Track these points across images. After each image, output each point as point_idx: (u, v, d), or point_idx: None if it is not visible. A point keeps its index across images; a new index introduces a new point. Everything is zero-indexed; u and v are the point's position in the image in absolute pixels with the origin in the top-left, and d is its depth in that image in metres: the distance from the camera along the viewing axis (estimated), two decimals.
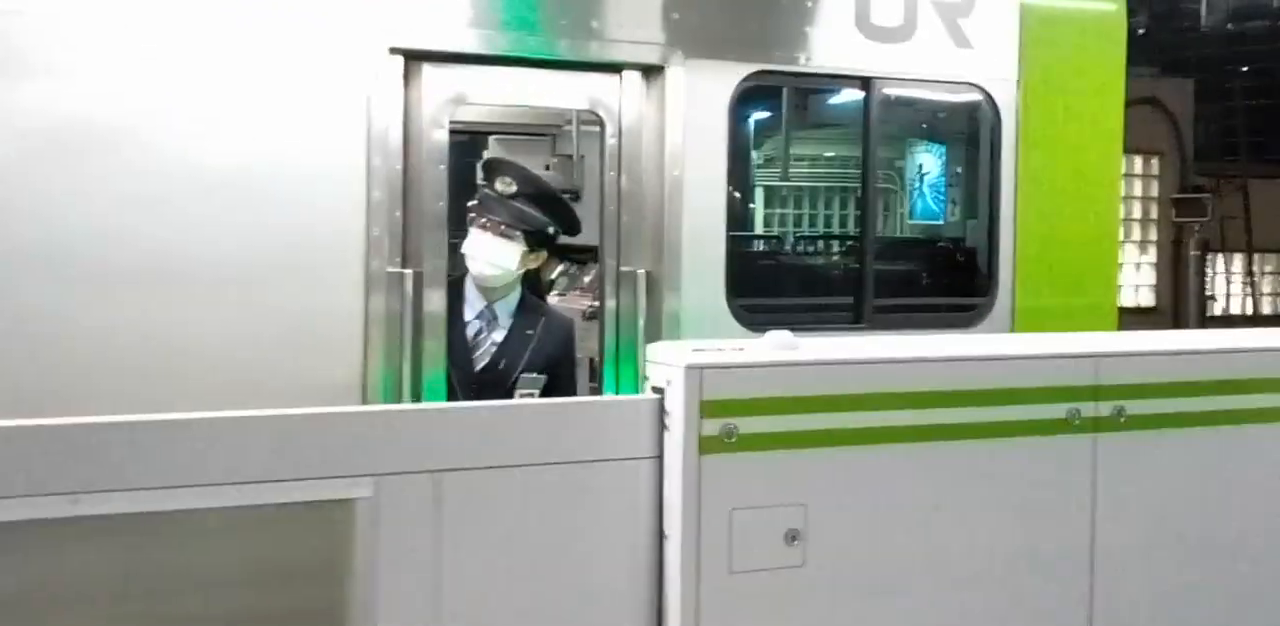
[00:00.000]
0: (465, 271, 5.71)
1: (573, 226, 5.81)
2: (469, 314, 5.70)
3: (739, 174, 9.68)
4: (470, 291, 5.71)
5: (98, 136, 5.15)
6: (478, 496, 3.93)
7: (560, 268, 8.28)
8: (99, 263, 5.15)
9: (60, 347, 5.10)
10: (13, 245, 5.05)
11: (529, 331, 5.72)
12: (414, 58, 5.69)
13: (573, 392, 5.92)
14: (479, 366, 5.65)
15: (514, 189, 5.60)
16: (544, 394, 5.57)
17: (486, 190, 5.67)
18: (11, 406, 4.47)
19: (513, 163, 6.00)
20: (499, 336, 5.69)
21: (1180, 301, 23.53)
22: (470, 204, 5.72)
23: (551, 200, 5.74)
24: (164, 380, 5.18)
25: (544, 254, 5.82)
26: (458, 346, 5.66)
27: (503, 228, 5.57)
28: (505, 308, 5.73)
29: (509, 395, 5.56)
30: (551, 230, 5.69)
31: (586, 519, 4.10)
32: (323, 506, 3.74)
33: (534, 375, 5.61)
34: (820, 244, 11.96)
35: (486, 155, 8.24)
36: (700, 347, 4.32)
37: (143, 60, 5.22)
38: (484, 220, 5.59)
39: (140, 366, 5.18)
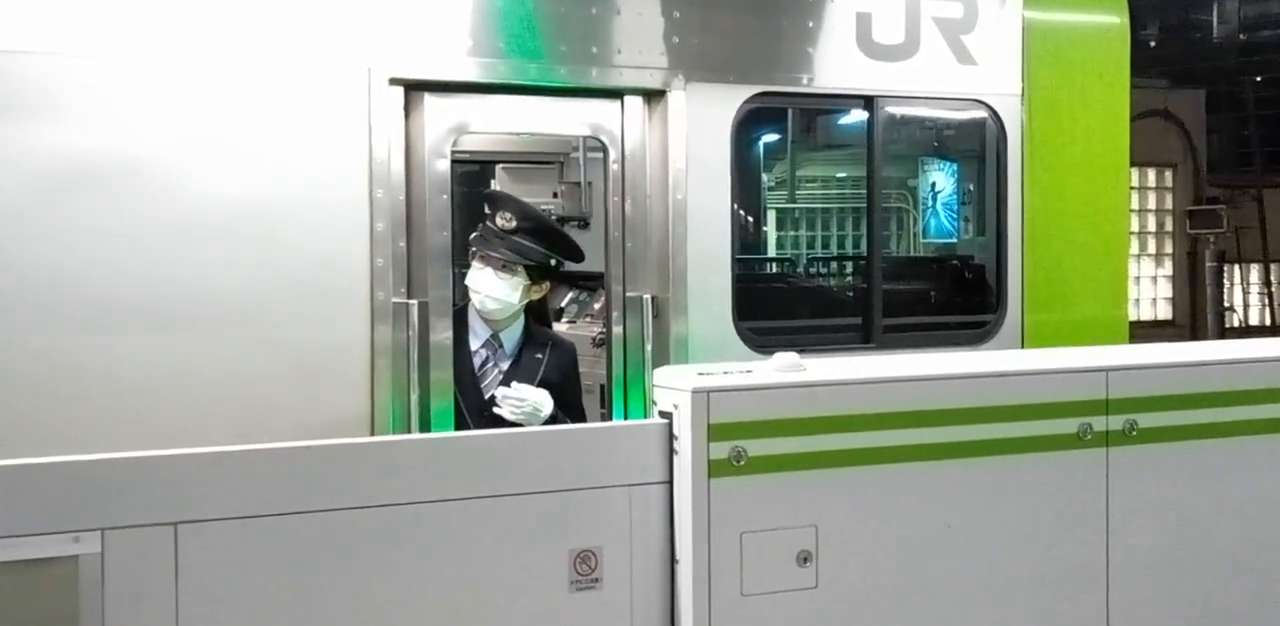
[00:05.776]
0: (469, 300, 5.73)
1: (574, 255, 5.83)
2: (474, 343, 5.71)
3: (744, 196, 9.66)
4: (475, 321, 5.72)
5: (99, 173, 5.14)
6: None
7: (571, 295, 8.26)
8: (101, 297, 5.14)
9: (64, 384, 5.09)
10: (16, 283, 5.04)
11: (538, 356, 5.75)
12: (414, 88, 5.69)
13: (580, 415, 5.94)
14: (488, 395, 5.65)
15: (514, 224, 5.63)
16: (551, 417, 5.58)
17: (488, 224, 5.69)
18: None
19: (512, 197, 6.05)
20: (505, 364, 5.71)
21: (1197, 314, 23.44)
22: (471, 238, 5.74)
23: (551, 232, 5.77)
24: (169, 416, 5.17)
25: (547, 285, 5.84)
26: (465, 375, 5.68)
27: (504, 263, 5.61)
28: (510, 336, 5.76)
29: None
30: (553, 262, 5.72)
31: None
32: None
33: None
34: (828, 265, 11.89)
35: (494, 184, 8.26)
36: (706, 371, 4.32)
37: (141, 96, 5.21)
38: (483, 255, 5.63)
39: (144, 403, 5.17)
